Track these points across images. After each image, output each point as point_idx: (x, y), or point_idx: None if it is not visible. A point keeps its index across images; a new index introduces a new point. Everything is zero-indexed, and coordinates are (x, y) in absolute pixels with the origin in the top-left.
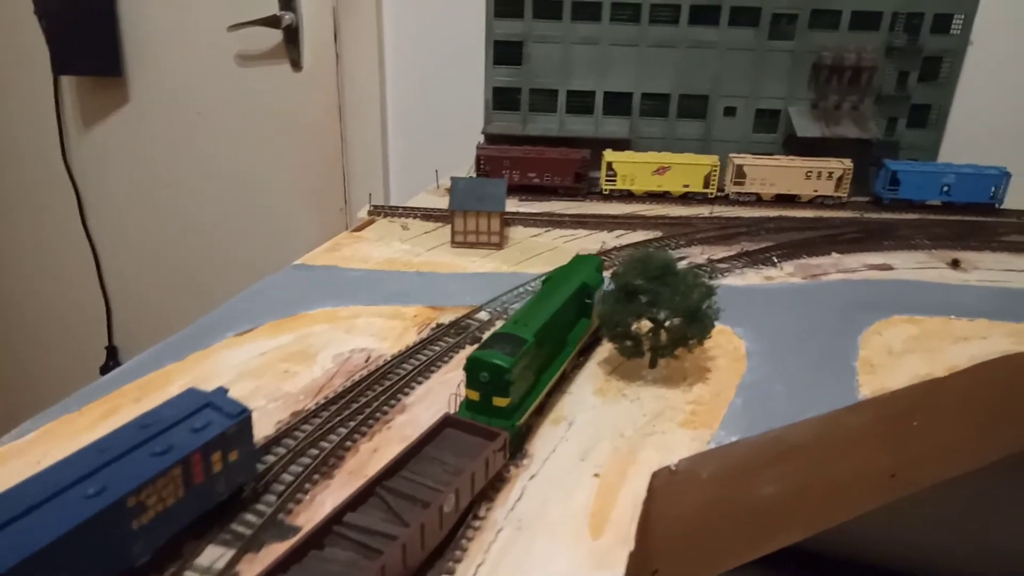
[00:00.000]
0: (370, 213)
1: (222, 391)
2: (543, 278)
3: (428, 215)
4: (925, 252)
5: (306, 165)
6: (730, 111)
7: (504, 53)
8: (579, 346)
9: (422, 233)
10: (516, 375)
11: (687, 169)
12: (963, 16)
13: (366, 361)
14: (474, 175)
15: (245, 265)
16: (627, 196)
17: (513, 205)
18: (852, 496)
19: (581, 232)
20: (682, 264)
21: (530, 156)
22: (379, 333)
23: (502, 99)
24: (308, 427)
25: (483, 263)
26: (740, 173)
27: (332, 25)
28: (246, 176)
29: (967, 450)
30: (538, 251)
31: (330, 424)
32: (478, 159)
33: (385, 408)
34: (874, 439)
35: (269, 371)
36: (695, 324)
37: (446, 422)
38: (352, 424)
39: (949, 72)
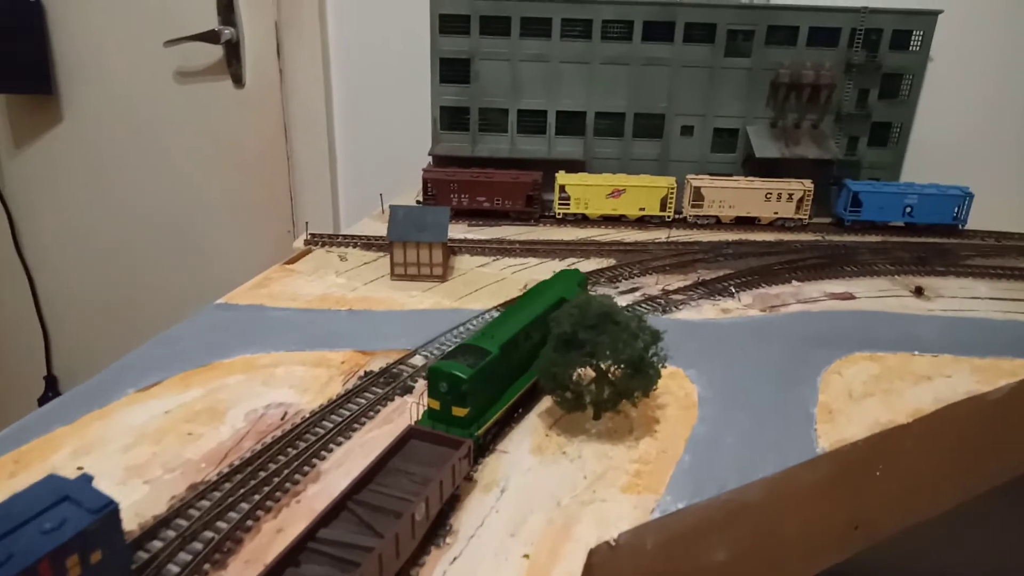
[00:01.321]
0: (306, 242)
1: (86, 479)
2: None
3: (369, 244)
4: (888, 278)
5: (251, 187)
6: (687, 130)
7: (451, 71)
8: None
9: (361, 264)
10: (475, 386)
11: (643, 192)
12: (922, 32)
13: (282, 419)
14: (420, 199)
15: (187, 291)
16: (582, 220)
17: (461, 231)
18: (812, 552)
19: (531, 260)
20: (637, 295)
21: (479, 179)
22: (300, 384)
23: (450, 119)
24: (206, 503)
25: (423, 298)
26: (698, 195)
27: (275, 40)
28: (188, 198)
29: (933, 494)
30: (484, 283)
31: (231, 499)
32: (425, 182)
33: (296, 477)
34: (834, 492)
35: (171, 434)
36: (639, 376)
37: (410, 434)
38: (256, 498)
39: (910, 89)
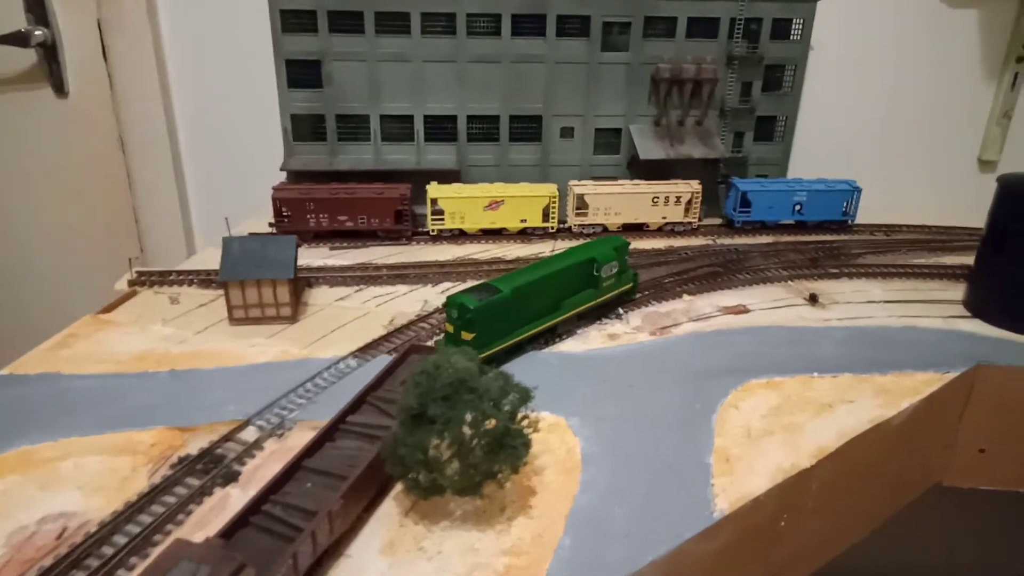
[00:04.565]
0: (131, 283)
1: None
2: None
3: (208, 280)
4: (782, 285)
5: (84, 213)
6: (567, 132)
7: (300, 74)
8: (577, 311)
9: (196, 307)
10: (481, 316)
11: (523, 202)
12: (802, 21)
13: (58, 538)
14: (272, 223)
15: (14, 337)
16: (459, 235)
17: (321, 256)
18: None
19: (400, 289)
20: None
21: (339, 196)
22: (92, 483)
23: (304, 128)
24: None
25: (267, 347)
26: (582, 203)
27: (99, 41)
28: (10, 226)
29: (843, 529)
30: (343, 321)
31: None
32: (275, 203)
33: None
34: (738, 556)
35: None
36: (504, 451)
37: (410, 350)
38: None
39: (792, 81)
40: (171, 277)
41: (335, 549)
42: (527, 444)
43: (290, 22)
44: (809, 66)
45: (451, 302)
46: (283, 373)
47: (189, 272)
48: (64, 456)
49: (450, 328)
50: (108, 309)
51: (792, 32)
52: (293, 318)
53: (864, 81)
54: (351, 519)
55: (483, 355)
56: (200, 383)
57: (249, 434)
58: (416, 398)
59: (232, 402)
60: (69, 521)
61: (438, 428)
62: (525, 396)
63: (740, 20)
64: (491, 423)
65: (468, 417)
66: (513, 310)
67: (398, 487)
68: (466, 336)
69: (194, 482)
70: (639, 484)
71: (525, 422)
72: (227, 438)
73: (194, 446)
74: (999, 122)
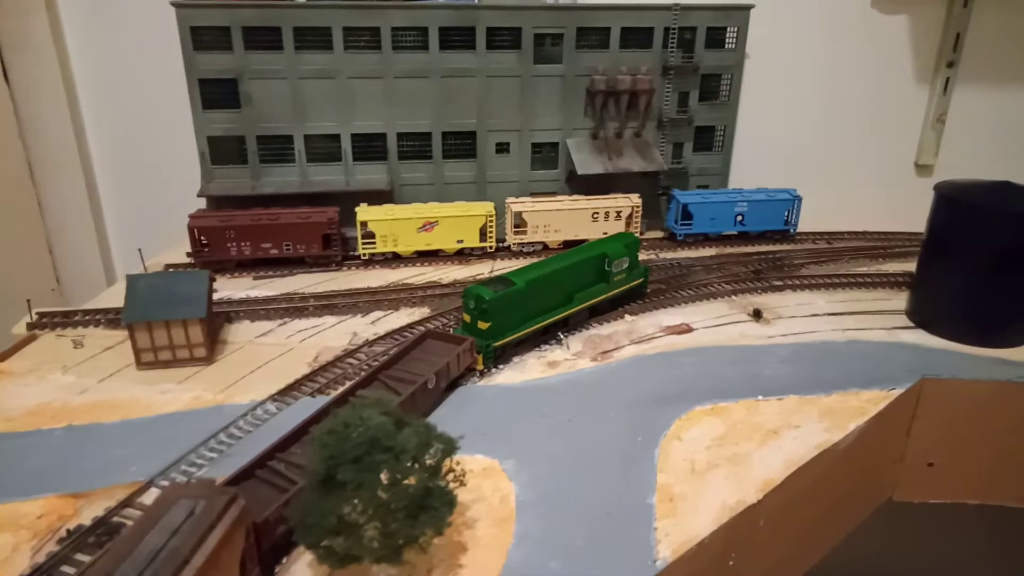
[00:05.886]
0: (30, 326)
1: None
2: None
3: (117, 319)
4: (725, 301)
5: None
6: (503, 147)
7: (215, 94)
8: (588, 304)
9: (102, 350)
10: (496, 307)
11: (458, 222)
12: (736, 29)
13: None
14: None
15: None
16: (393, 258)
17: (245, 287)
18: None
19: (327, 320)
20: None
21: (262, 222)
22: None
23: (223, 151)
24: None
25: (179, 393)
26: (520, 221)
27: None
28: None
29: (794, 559)
30: (263, 360)
31: None
32: (192, 232)
33: None
34: None
35: None
36: (425, 514)
37: (427, 335)
38: None
39: (729, 90)
40: (76, 318)
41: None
42: (451, 503)
43: (202, 39)
44: (746, 74)
45: (468, 293)
46: (194, 423)
47: (96, 311)
48: None
49: (467, 318)
50: (2, 357)
51: (727, 40)
52: (208, 359)
53: (801, 88)
54: None
55: (498, 344)
56: (100, 439)
57: (151, 497)
58: (323, 461)
59: (135, 460)
60: None
61: (347, 495)
62: (449, 447)
63: (674, 29)
64: (412, 480)
65: (384, 479)
66: (527, 302)
67: (307, 557)
68: (482, 325)
69: (83, 559)
70: (578, 533)
71: (450, 476)
72: (126, 503)
73: (88, 515)
74: (934, 126)
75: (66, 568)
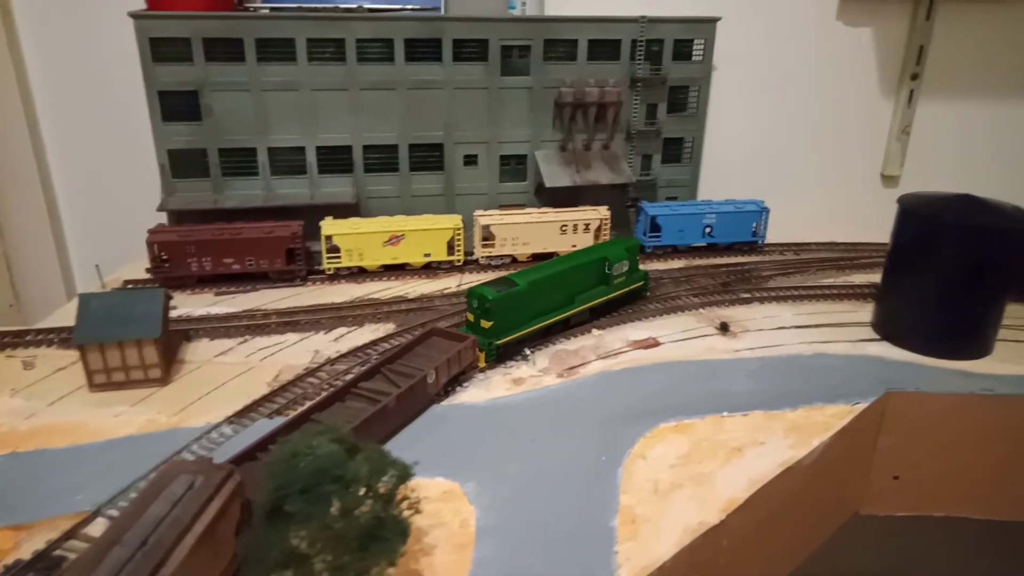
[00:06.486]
0: None
1: None
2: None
3: (70, 339)
4: (693, 314)
5: None
6: (471, 160)
7: (176, 106)
8: (589, 305)
9: (53, 371)
10: (498, 307)
11: (425, 235)
12: (703, 41)
13: None
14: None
15: None
16: (360, 272)
17: (205, 304)
18: None
19: (290, 338)
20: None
21: (223, 237)
22: None
23: (184, 164)
24: None
25: (132, 416)
26: (488, 234)
27: None
28: None
29: None
30: (221, 380)
31: None
32: (151, 247)
33: None
34: None
35: None
36: (376, 544)
37: (431, 332)
38: None
39: (697, 101)
40: (28, 337)
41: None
42: (404, 532)
43: (161, 51)
44: (713, 86)
45: (472, 293)
46: (147, 447)
47: (49, 331)
48: None
49: (471, 317)
50: None
51: (694, 53)
52: (164, 380)
53: (768, 100)
54: None
55: (500, 342)
56: (46, 467)
57: (97, 528)
58: (270, 493)
59: (82, 489)
60: None
61: (295, 527)
62: (404, 474)
63: (641, 42)
64: (365, 509)
65: (334, 510)
66: (529, 302)
67: None
68: (485, 324)
69: None
70: (538, 558)
71: (405, 503)
72: (70, 535)
73: (28, 548)
74: (899, 138)
75: None
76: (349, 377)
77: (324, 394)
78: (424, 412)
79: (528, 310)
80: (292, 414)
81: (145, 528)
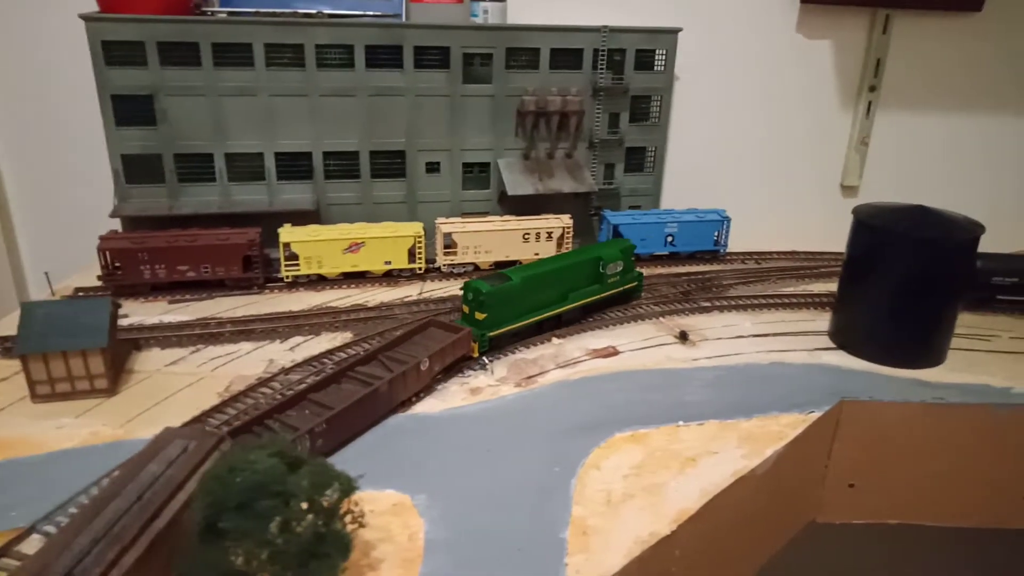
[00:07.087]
0: None
1: None
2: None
3: (12, 349)
4: (652, 322)
5: None
6: (433, 167)
7: (130, 110)
8: (582, 303)
9: None
10: (492, 300)
11: (386, 243)
12: (665, 51)
13: None
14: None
15: None
16: (319, 280)
17: (158, 312)
18: None
19: (244, 347)
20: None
21: (178, 244)
22: None
23: (138, 169)
24: None
25: (76, 428)
26: (450, 242)
27: None
28: None
29: None
30: (170, 391)
31: None
32: (102, 255)
33: None
34: None
35: None
36: (316, 562)
37: (429, 322)
38: None
39: (660, 111)
40: None
41: None
42: (346, 548)
43: (114, 54)
44: (675, 96)
45: (468, 286)
46: (89, 461)
47: None
48: None
49: (466, 309)
50: None
51: (656, 63)
52: (111, 390)
53: (730, 110)
54: (334, 443)
55: (493, 334)
56: None
57: (31, 545)
58: (204, 509)
59: (18, 504)
60: None
61: (231, 545)
62: (348, 487)
63: (603, 51)
64: (306, 523)
65: (273, 527)
66: (522, 297)
67: None
68: (479, 316)
69: None
70: (486, 572)
71: (348, 517)
72: (3, 552)
73: None
74: (857, 148)
75: None
76: (348, 363)
77: (322, 376)
78: (382, 421)
79: (522, 305)
80: (290, 393)
81: (142, 485)
